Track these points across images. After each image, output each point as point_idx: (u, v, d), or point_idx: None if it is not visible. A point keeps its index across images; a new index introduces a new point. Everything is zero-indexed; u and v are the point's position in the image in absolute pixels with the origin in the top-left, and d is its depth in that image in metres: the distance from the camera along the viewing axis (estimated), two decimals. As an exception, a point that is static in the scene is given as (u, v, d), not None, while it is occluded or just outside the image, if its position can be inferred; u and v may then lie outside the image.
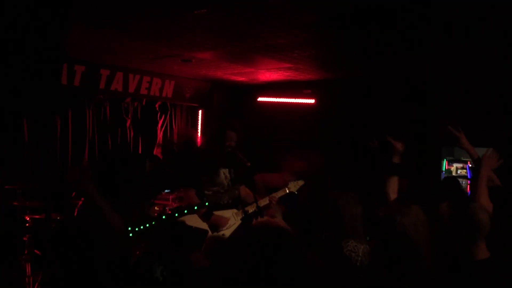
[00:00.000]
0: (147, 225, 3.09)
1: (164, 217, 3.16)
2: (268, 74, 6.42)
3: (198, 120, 7.72)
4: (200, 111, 7.74)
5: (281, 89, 7.15)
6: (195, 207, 3.48)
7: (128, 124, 6.72)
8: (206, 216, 3.88)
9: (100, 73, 5.88)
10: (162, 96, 6.83)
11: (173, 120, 7.45)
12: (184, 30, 4.15)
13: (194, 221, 3.84)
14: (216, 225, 3.93)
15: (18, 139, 5.32)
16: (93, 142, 6.37)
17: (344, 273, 2.48)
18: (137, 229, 3.13)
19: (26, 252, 4.70)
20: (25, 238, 4.75)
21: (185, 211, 3.30)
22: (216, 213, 3.95)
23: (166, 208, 5.73)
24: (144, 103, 6.90)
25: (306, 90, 6.97)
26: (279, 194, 4.22)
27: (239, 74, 6.58)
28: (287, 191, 4.24)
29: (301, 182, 4.36)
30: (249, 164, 4.23)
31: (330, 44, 4.61)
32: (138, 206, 3.09)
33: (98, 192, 3.03)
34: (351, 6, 3.38)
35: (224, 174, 4.12)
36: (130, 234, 3.10)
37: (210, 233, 3.92)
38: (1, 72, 2.91)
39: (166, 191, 6.00)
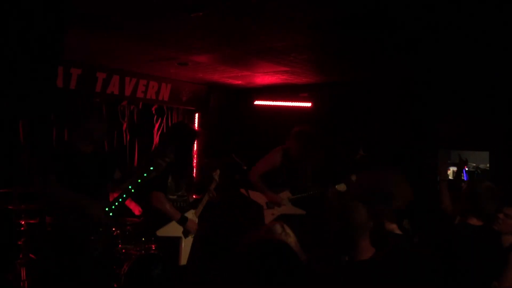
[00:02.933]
0: (120, 199, 3.41)
1: (130, 187, 3.41)
2: (264, 77, 6.42)
3: (194, 123, 7.72)
4: (196, 115, 7.73)
5: (278, 92, 7.15)
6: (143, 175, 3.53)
7: (124, 127, 6.70)
8: (182, 221, 4.04)
9: (96, 76, 5.86)
10: (158, 100, 6.82)
11: (170, 123, 7.42)
12: (180, 33, 4.14)
13: (172, 227, 4.02)
14: (189, 231, 4.10)
15: (14, 142, 5.29)
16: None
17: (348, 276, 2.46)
18: (113, 206, 3.40)
19: (21, 256, 4.68)
20: (20, 242, 4.72)
21: (139, 180, 3.43)
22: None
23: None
24: (140, 107, 6.88)
25: (302, 94, 6.98)
26: (212, 186, 4.38)
27: (236, 78, 6.58)
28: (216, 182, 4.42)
29: (218, 171, 4.47)
30: (245, 167, 4.27)
31: (327, 47, 4.62)
32: (105, 189, 3.53)
33: (68, 191, 3.34)
34: (349, 9, 3.38)
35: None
36: (111, 214, 3.39)
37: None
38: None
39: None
